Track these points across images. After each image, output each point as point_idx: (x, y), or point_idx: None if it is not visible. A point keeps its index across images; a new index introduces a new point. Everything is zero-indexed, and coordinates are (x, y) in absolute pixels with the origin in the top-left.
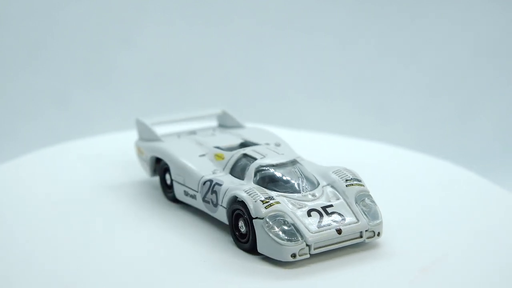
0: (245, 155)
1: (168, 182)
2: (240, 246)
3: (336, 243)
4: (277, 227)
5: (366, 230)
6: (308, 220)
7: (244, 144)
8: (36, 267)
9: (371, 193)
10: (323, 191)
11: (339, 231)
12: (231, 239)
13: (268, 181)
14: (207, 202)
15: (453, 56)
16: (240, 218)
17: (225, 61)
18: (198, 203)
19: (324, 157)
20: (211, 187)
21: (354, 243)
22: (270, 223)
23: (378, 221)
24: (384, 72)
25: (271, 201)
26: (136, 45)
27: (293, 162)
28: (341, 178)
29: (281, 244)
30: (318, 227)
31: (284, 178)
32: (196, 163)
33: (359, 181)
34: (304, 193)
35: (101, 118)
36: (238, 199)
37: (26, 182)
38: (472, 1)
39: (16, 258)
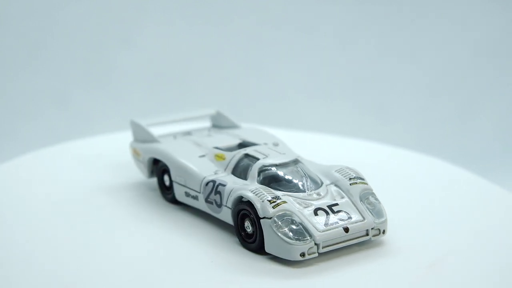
0: (246, 155)
1: (167, 183)
2: (246, 246)
3: (343, 241)
4: (286, 227)
5: (372, 228)
6: (315, 219)
7: (242, 144)
8: (36, 267)
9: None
10: (327, 190)
11: (346, 230)
12: (235, 239)
13: (272, 180)
14: (210, 202)
15: (453, 56)
16: (246, 218)
17: (225, 61)
18: (200, 204)
19: (324, 157)
20: (215, 187)
21: (360, 241)
22: (279, 222)
23: (383, 219)
24: (384, 72)
25: (278, 201)
26: (136, 45)
27: (296, 162)
28: (344, 176)
29: (290, 244)
30: (325, 226)
31: (288, 177)
32: (197, 164)
33: (363, 179)
34: (309, 192)
35: (101, 118)
36: (244, 199)
37: (26, 182)
38: (472, 1)
39: (16, 258)
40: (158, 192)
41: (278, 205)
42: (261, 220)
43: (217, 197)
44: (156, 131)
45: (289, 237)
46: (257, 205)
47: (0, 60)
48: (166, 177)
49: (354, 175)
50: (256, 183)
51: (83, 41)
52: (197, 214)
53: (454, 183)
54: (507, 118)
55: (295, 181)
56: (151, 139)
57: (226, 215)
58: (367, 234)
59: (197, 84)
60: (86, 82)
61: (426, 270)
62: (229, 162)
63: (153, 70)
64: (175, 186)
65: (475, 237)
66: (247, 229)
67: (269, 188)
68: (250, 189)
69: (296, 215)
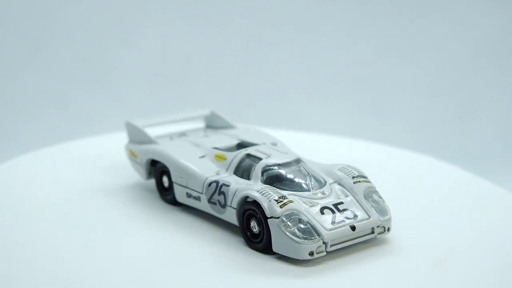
0: (248, 155)
1: (166, 184)
2: (252, 246)
3: (350, 240)
4: (294, 226)
5: (377, 226)
6: (322, 218)
7: (241, 144)
8: (36, 267)
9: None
10: (331, 188)
11: (353, 228)
12: (239, 239)
13: (276, 180)
14: (214, 203)
15: (453, 56)
16: (253, 218)
17: (225, 61)
18: (203, 205)
19: (324, 157)
20: (218, 188)
21: (366, 239)
22: (287, 222)
23: (388, 217)
24: (384, 72)
25: (285, 200)
26: (136, 45)
27: (298, 161)
28: (347, 175)
29: (298, 243)
30: (332, 225)
31: (292, 177)
32: (198, 164)
33: (365, 177)
34: (314, 191)
35: (101, 118)
36: (249, 199)
37: (26, 182)
38: (472, 1)
39: (16, 258)
40: (157, 193)
41: (285, 204)
42: (268, 220)
43: (221, 198)
44: (150, 132)
45: (298, 236)
46: (264, 204)
47: (0, 60)
48: (165, 178)
49: (356, 174)
50: (260, 183)
51: (83, 41)
52: (198, 214)
53: (454, 183)
54: (507, 118)
55: (299, 180)
56: (148, 141)
57: (230, 215)
58: (373, 232)
59: (197, 84)
60: (86, 82)
61: (430, 269)
62: (231, 163)
63: (153, 70)
64: (175, 187)
65: (475, 237)
66: (253, 229)
67: (275, 188)
68: (256, 189)
69: (303, 214)
